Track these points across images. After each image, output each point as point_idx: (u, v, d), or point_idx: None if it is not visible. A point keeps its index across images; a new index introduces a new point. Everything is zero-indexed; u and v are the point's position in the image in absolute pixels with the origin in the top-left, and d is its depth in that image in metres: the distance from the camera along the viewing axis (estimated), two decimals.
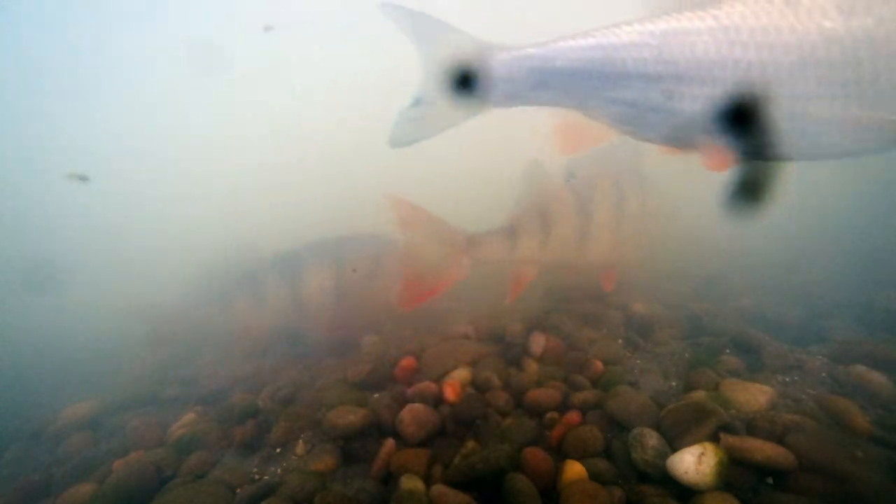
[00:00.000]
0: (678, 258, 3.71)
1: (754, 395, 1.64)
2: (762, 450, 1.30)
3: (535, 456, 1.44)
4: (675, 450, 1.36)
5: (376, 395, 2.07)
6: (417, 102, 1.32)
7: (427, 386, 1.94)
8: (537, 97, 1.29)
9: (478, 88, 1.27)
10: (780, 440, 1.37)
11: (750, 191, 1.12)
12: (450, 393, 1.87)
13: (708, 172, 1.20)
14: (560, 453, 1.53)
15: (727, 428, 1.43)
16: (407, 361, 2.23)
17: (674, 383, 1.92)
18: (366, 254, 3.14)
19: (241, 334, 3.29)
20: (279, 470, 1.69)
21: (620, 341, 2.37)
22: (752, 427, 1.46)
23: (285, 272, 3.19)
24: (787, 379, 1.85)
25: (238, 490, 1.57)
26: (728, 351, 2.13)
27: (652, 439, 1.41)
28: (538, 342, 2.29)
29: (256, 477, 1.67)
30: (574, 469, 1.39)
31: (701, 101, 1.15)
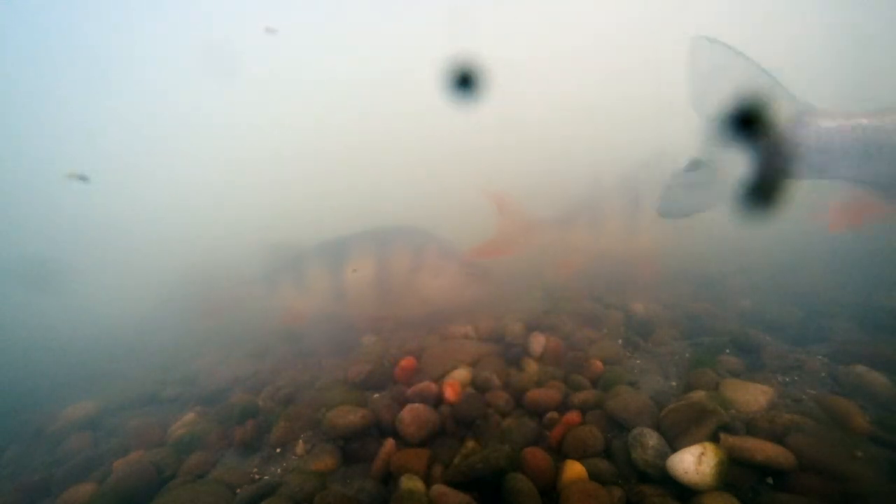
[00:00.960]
0: (694, 256, 3.88)
1: (754, 395, 1.64)
2: (762, 450, 1.30)
3: (535, 456, 1.44)
4: (675, 450, 1.36)
5: (376, 395, 2.07)
6: (696, 166, 1.10)
7: (427, 386, 1.94)
8: (850, 171, 1.07)
9: (782, 156, 1.05)
10: (780, 440, 1.37)
11: (761, 196, 1.09)
12: (450, 393, 1.87)
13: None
14: (560, 453, 1.53)
15: (727, 428, 1.43)
16: (407, 361, 2.23)
17: (674, 383, 1.92)
18: (408, 245, 3.14)
19: (285, 317, 3.33)
20: (279, 470, 1.69)
21: (620, 341, 2.37)
22: (752, 427, 1.46)
23: (330, 258, 3.20)
24: (787, 379, 1.85)
25: (238, 490, 1.57)
26: (728, 351, 2.13)
27: (652, 439, 1.41)
28: (538, 342, 2.29)
29: (256, 477, 1.67)
30: (574, 469, 1.39)
31: None
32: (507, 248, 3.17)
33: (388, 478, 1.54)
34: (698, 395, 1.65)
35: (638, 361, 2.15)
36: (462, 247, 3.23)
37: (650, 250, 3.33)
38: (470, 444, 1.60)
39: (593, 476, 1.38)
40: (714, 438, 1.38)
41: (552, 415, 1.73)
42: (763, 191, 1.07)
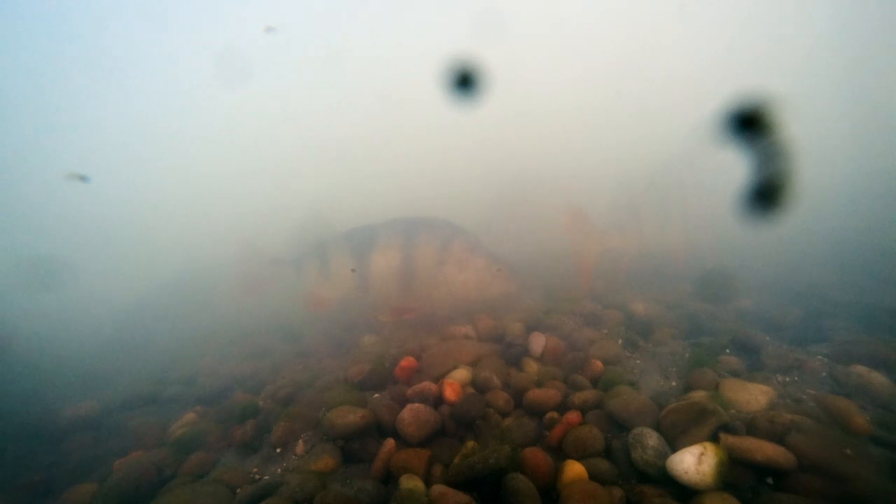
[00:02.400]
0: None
1: (754, 395, 1.64)
2: (762, 450, 1.30)
3: (535, 456, 1.44)
4: (675, 450, 1.36)
5: (376, 395, 2.07)
6: None
7: (427, 386, 1.94)
8: None
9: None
10: (780, 440, 1.37)
11: (766, 195, 1.09)
12: (450, 393, 1.87)
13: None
14: (560, 453, 1.53)
15: (727, 428, 1.43)
16: (407, 361, 2.23)
17: (674, 383, 1.92)
18: (436, 237, 3.06)
19: (310, 303, 3.31)
20: (279, 470, 1.69)
21: (620, 341, 2.37)
22: (752, 427, 1.46)
23: (357, 247, 3.15)
24: (787, 379, 1.85)
25: (238, 490, 1.57)
26: (728, 351, 2.13)
27: (652, 439, 1.41)
28: (538, 342, 2.29)
29: (256, 477, 1.67)
30: (574, 469, 1.39)
31: None
32: (590, 262, 3.52)
33: (388, 478, 1.54)
34: (698, 395, 1.65)
35: (638, 361, 2.15)
36: (486, 241, 3.20)
37: (681, 245, 3.73)
38: (470, 444, 1.60)
39: (593, 476, 1.38)
40: (714, 438, 1.38)
41: (552, 415, 1.72)
42: (767, 192, 1.07)
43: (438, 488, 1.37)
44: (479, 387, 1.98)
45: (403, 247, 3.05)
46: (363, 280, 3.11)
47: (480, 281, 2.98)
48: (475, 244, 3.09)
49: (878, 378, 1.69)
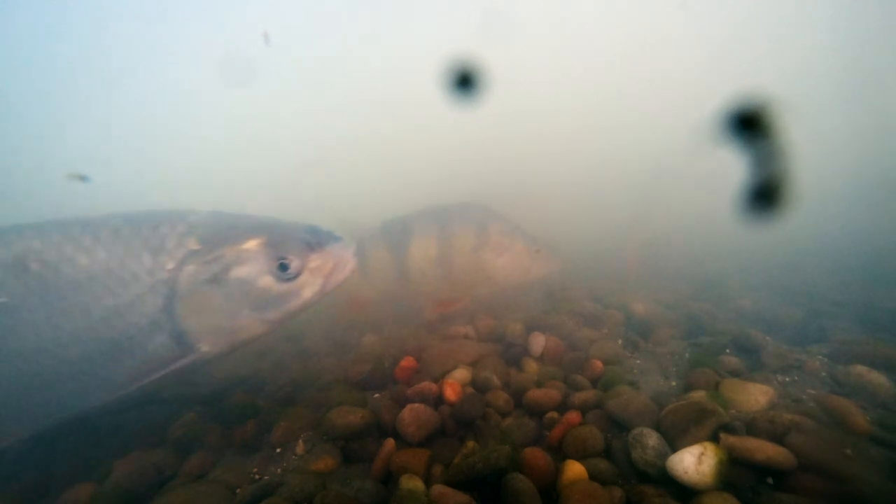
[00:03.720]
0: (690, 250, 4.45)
1: (754, 395, 1.64)
2: (762, 450, 1.30)
3: (535, 456, 1.44)
4: (675, 450, 1.36)
5: (376, 395, 2.07)
6: None
7: (427, 386, 1.94)
8: None
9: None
10: (780, 440, 1.37)
11: (766, 195, 1.09)
12: (450, 393, 1.87)
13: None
14: (560, 453, 1.53)
15: (727, 428, 1.43)
16: (407, 361, 2.23)
17: (674, 383, 1.92)
18: (471, 222, 2.98)
19: (351, 306, 3.23)
20: (279, 470, 1.69)
21: (620, 341, 2.37)
22: (752, 427, 1.46)
23: (393, 240, 3.07)
24: (787, 379, 1.85)
25: (238, 490, 1.57)
26: (728, 351, 2.14)
27: (652, 439, 1.41)
28: (538, 342, 2.29)
29: (256, 477, 1.67)
30: (574, 469, 1.39)
31: None
32: (633, 259, 4.09)
33: (388, 478, 1.54)
34: (698, 395, 1.65)
35: (638, 361, 2.15)
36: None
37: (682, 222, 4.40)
38: (470, 444, 1.60)
39: (593, 476, 1.38)
40: (714, 438, 1.38)
41: (552, 415, 1.73)
42: (767, 191, 1.08)
43: (438, 488, 1.37)
44: (479, 387, 1.99)
45: (439, 235, 2.95)
46: (403, 273, 3.02)
47: (521, 264, 2.90)
48: (512, 226, 3.01)
49: (878, 378, 1.69)
